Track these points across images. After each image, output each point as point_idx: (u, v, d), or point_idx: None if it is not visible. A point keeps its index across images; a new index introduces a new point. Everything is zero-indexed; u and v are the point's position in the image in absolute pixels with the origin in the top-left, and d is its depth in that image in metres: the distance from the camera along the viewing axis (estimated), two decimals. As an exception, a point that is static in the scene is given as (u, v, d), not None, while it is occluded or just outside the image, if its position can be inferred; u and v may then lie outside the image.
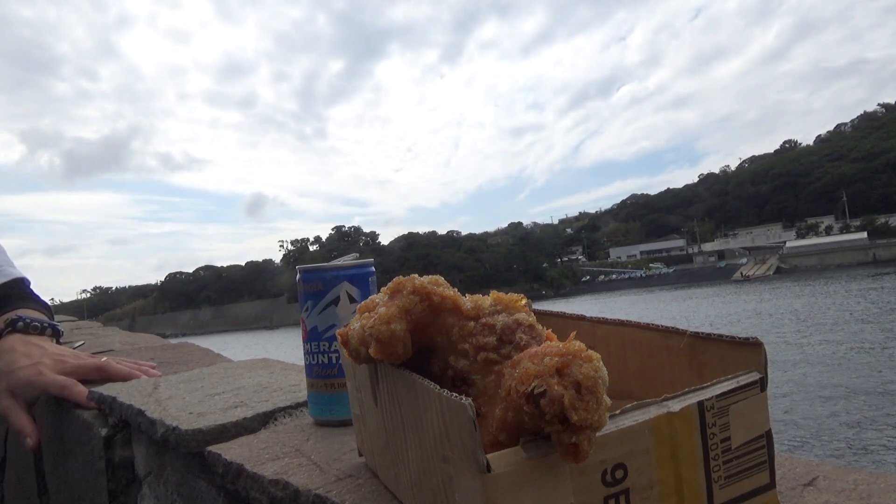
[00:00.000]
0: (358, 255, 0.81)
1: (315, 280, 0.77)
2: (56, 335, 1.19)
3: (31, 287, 1.28)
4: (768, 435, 0.45)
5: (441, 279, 0.49)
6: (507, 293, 0.49)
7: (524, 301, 0.49)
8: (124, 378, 1.11)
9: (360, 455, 0.65)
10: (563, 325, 0.63)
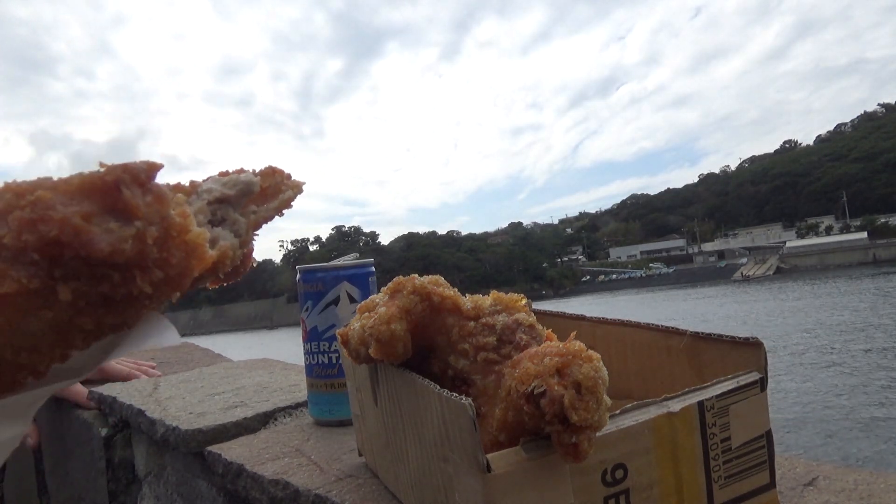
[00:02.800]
0: (358, 255, 0.81)
1: (315, 280, 0.77)
2: None
3: None
4: (768, 435, 0.45)
5: (441, 279, 0.49)
6: (507, 293, 0.49)
7: (524, 301, 0.49)
8: (124, 378, 1.11)
9: (360, 455, 0.65)
10: (563, 325, 0.63)
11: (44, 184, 0.16)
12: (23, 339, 0.17)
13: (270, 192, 0.26)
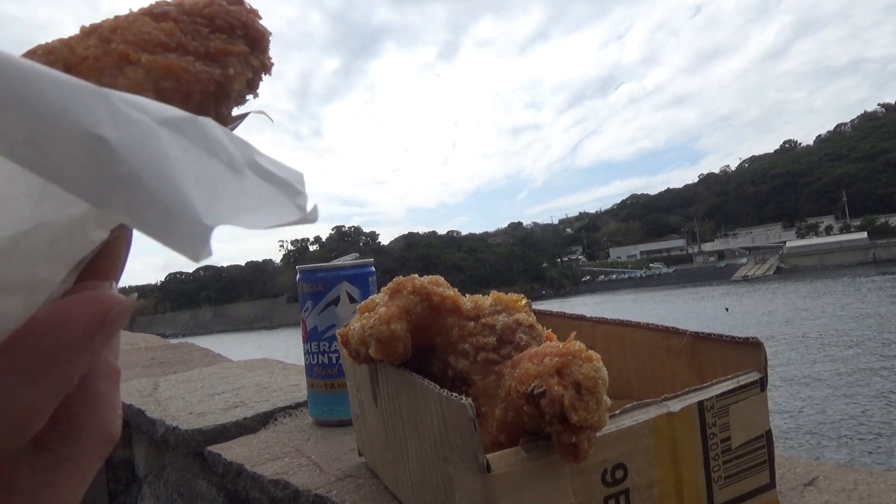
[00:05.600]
0: (358, 255, 0.81)
1: (315, 280, 0.77)
2: None
3: None
4: (768, 435, 0.45)
5: (441, 279, 0.49)
6: (507, 293, 0.49)
7: (524, 301, 0.49)
8: None
9: (360, 455, 0.65)
10: (563, 325, 0.63)
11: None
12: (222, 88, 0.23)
13: None
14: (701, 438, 0.42)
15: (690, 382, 0.45)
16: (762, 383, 0.44)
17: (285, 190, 0.21)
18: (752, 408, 0.44)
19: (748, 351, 0.46)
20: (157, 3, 0.23)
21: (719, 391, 0.43)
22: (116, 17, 0.22)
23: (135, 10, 0.23)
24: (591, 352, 0.37)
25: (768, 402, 0.45)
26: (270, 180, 0.21)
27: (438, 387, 0.41)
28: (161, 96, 0.20)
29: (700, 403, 0.42)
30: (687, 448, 0.42)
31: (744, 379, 0.44)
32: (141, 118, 0.16)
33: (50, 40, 0.23)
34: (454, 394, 0.38)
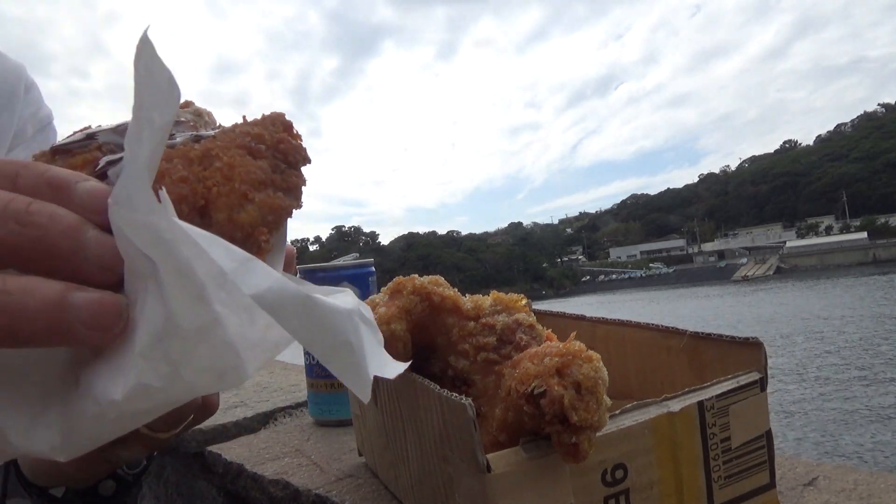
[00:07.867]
0: (358, 255, 0.81)
1: (315, 280, 0.77)
2: None
3: None
4: (768, 435, 0.45)
5: (441, 279, 0.49)
6: (507, 293, 0.49)
7: (524, 301, 0.49)
8: None
9: (360, 455, 0.65)
10: (563, 325, 0.64)
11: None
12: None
13: None
14: (701, 438, 0.42)
15: (690, 382, 0.45)
16: (762, 383, 0.44)
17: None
18: (752, 408, 0.44)
19: (748, 351, 0.46)
20: (243, 132, 0.29)
21: (719, 391, 0.43)
22: (222, 151, 0.28)
23: (234, 132, 0.30)
24: (591, 352, 0.37)
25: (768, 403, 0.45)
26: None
27: (438, 387, 0.41)
28: (266, 226, 0.28)
29: (700, 403, 0.42)
30: (687, 448, 0.42)
31: (744, 379, 0.44)
32: (354, 322, 0.25)
33: (165, 151, 0.27)
34: (454, 394, 0.38)
